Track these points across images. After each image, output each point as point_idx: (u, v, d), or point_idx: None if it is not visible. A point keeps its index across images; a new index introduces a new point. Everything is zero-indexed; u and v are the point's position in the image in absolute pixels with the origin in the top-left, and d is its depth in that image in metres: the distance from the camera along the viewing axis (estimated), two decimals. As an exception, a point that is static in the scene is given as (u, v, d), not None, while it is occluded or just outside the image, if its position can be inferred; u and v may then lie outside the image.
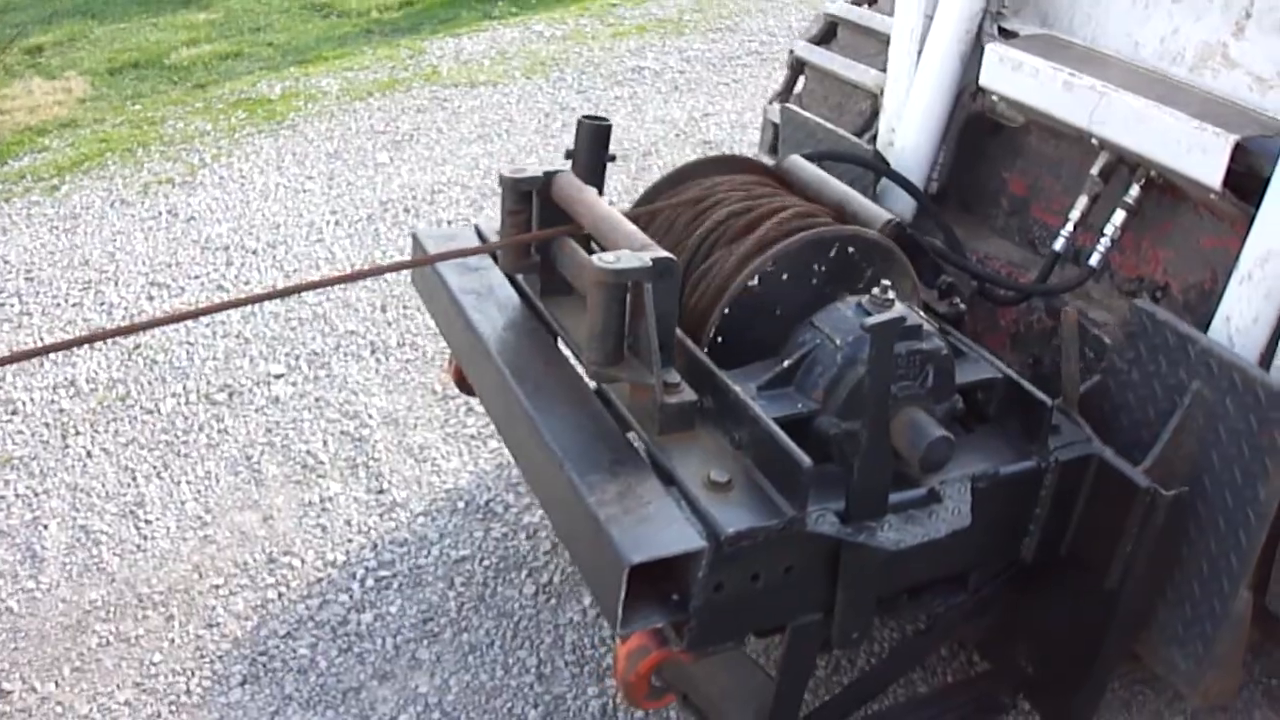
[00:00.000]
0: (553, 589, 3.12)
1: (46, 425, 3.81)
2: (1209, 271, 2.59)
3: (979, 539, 2.14)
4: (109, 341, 4.17)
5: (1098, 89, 2.59)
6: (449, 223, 5.02)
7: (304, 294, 4.43)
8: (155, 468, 3.61)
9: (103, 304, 4.46)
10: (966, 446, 2.16)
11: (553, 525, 3.13)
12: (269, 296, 2.11)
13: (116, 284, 4.59)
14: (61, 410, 3.88)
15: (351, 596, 3.13)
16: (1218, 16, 2.56)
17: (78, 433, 3.78)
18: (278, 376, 4.03)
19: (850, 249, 2.31)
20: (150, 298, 4.50)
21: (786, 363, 2.14)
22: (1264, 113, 2.46)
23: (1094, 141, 2.66)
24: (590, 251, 2.35)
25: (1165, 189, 2.62)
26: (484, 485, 3.51)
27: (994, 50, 2.84)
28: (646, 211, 2.48)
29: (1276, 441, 2.11)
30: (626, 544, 1.77)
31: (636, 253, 1.96)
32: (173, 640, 3.02)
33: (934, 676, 2.83)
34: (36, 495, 3.51)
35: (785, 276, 2.26)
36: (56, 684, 2.90)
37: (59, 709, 2.83)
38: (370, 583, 3.17)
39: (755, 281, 2.25)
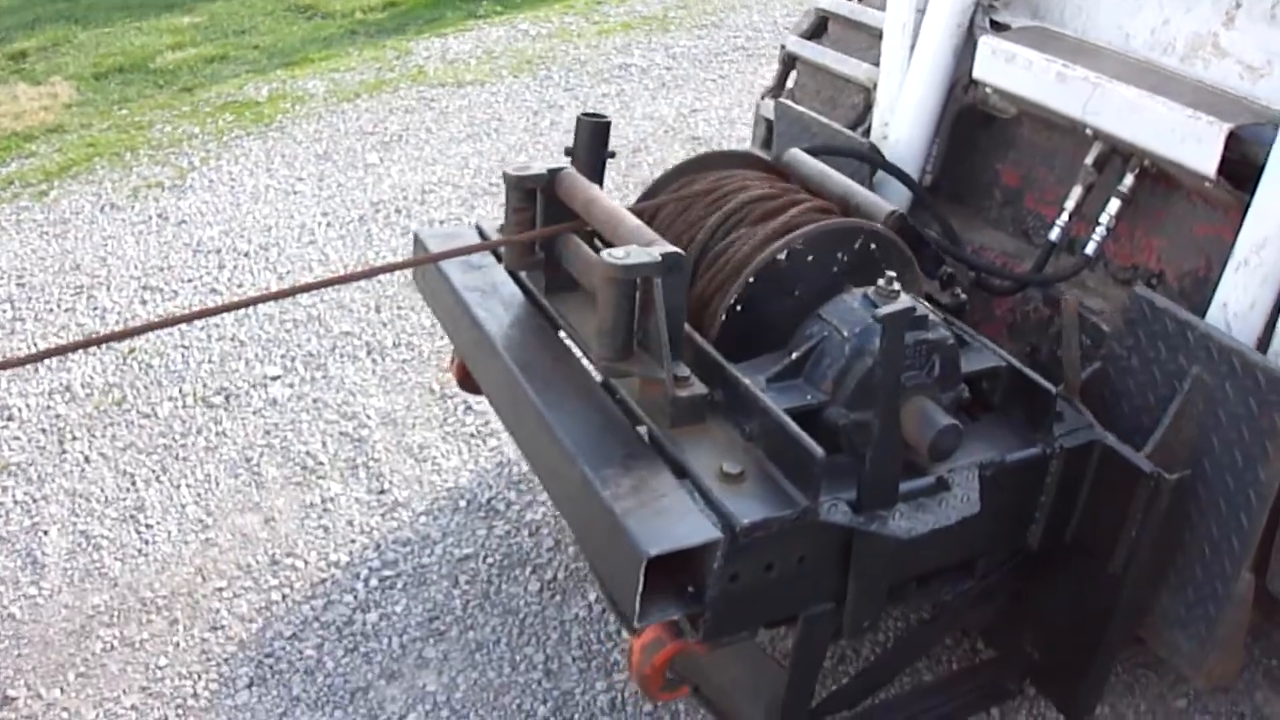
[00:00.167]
0: (557, 585, 3.14)
1: (43, 431, 3.81)
2: (1203, 259, 2.62)
3: (986, 526, 2.16)
4: (104, 346, 4.16)
5: (1091, 80, 2.61)
6: (441, 222, 5.03)
7: (299, 296, 4.42)
8: (154, 471, 3.61)
9: (95, 309, 4.45)
10: (972, 435, 2.18)
11: (565, 520, 3.14)
12: (274, 297, 2.12)
13: (109, 288, 4.58)
14: (58, 416, 3.87)
15: (356, 597, 3.14)
16: (1208, 7, 2.59)
17: (75, 438, 3.77)
18: (274, 378, 4.03)
19: (872, 244, 2.35)
20: (143, 302, 4.49)
21: (795, 355, 2.16)
22: (1256, 101, 2.49)
23: (1088, 132, 2.68)
24: (594, 248, 2.37)
25: (1159, 178, 2.65)
26: (485, 483, 3.52)
27: (987, 43, 2.86)
28: (651, 206, 2.50)
29: (1276, 424, 2.14)
30: (644, 536, 1.79)
31: (645, 248, 1.98)
32: (178, 644, 3.02)
33: (939, 665, 2.85)
34: (35, 501, 3.51)
35: (810, 259, 2.30)
36: (62, 690, 2.90)
37: (65, 715, 2.83)
38: (374, 583, 3.18)
39: (784, 256, 2.27)
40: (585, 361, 2.37)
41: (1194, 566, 2.31)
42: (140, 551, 3.31)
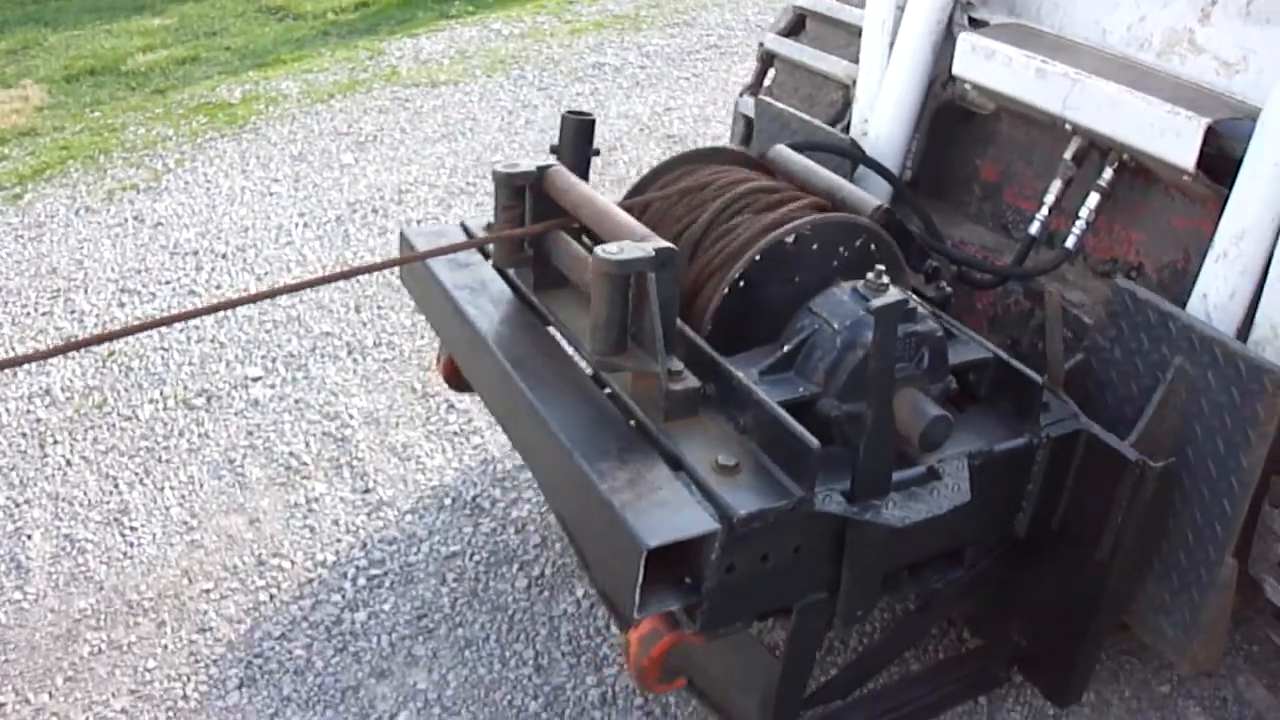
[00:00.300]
0: (545, 581, 3.15)
1: (24, 435, 3.78)
2: (1182, 251, 2.66)
3: (975, 515, 2.19)
4: (82, 349, 4.13)
5: (1071, 75, 2.65)
6: (419, 222, 5.03)
7: (277, 297, 4.41)
8: (137, 474, 3.59)
9: (73, 312, 4.43)
10: (959, 426, 2.21)
11: (558, 515, 3.15)
12: (261, 297, 2.12)
13: (86, 291, 4.55)
14: (38, 420, 3.85)
15: (344, 596, 3.14)
16: (1184, 3, 2.64)
17: (56, 442, 3.75)
18: (255, 379, 4.02)
19: (872, 244, 2.39)
20: (121, 304, 4.46)
21: (786, 348, 2.18)
22: (1232, 96, 2.53)
23: (1067, 127, 2.72)
24: (582, 245, 2.39)
25: (1137, 172, 2.69)
26: (469, 481, 3.53)
27: (966, 39, 2.90)
28: (640, 203, 2.51)
29: (1258, 412, 2.18)
30: (643, 528, 1.80)
31: (639, 243, 1.99)
32: (166, 646, 3.01)
33: (925, 654, 2.89)
34: (18, 505, 3.48)
35: (815, 247, 2.33)
36: (50, 694, 2.88)
37: (54, 719, 2.82)
38: (362, 581, 3.18)
39: (792, 240, 2.30)
40: (576, 357, 2.39)
41: (1178, 553, 2.35)
42: (125, 554, 3.29)
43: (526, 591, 3.12)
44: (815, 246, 2.33)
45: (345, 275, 2.19)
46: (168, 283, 4.60)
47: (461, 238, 2.77)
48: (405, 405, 3.87)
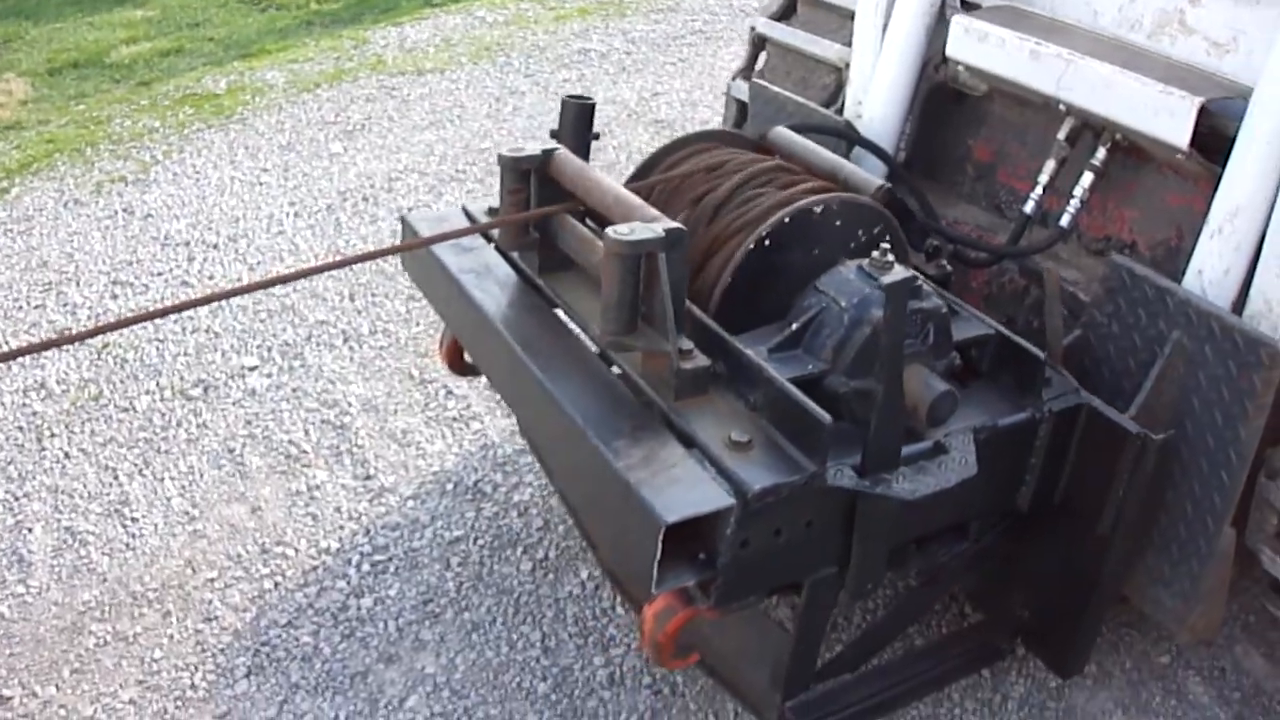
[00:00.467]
0: (549, 564, 3.17)
1: (20, 429, 3.77)
2: (1175, 229, 2.71)
3: (980, 489, 2.22)
4: (76, 343, 4.13)
5: (1064, 57, 2.69)
6: (410, 209, 5.02)
7: (271, 286, 4.41)
8: (136, 465, 3.60)
9: (66, 305, 4.41)
10: (963, 401, 2.24)
11: (564, 496, 3.19)
12: (262, 285, 2.13)
13: (78, 284, 4.54)
14: (35, 413, 3.84)
15: (349, 582, 3.15)
16: (1175, -16, 2.67)
17: (53, 434, 3.75)
18: (252, 369, 4.03)
19: (887, 234, 2.42)
20: (114, 296, 4.46)
21: (795, 325, 2.21)
22: (1223, 76, 2.57)
23: (1061, 107, 2.76)
24: (588, 227, 2.41)
25: (1131, 151, 2.73)
26: (470, 466, 3.55)
27: (959, 22, 2.93)
28: (645, 185, 2.54)
29: (1255, 384, 2.23)
30: (660, 505, 1.83)
31: (649, 224, 2.02)
32: (172, 636, 3.02)
33: (929, 629, 2.93)
34: (17, 499, 3.48)
35: (838, 223, 2.37)
36: (57, 687, 2.88)
37: (62, 712, 2.82)
38: (366, 568, 3.20)
39: (819, 209, 2.34)
40: (584, 338, 2.41)
41: (1178, 525, 2.39)
42: (128, 545, 3.30)
43: (531, 574, 3.14)
44: (838, 223, 2.37)
45: (348, 262, 2.20)
46: (159, 274, 4.59)
47: (463, 222, 2.78)
48: (404, 392, 3.89)
